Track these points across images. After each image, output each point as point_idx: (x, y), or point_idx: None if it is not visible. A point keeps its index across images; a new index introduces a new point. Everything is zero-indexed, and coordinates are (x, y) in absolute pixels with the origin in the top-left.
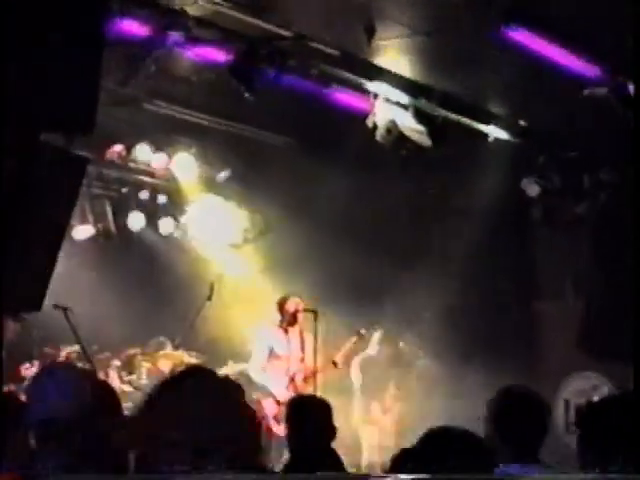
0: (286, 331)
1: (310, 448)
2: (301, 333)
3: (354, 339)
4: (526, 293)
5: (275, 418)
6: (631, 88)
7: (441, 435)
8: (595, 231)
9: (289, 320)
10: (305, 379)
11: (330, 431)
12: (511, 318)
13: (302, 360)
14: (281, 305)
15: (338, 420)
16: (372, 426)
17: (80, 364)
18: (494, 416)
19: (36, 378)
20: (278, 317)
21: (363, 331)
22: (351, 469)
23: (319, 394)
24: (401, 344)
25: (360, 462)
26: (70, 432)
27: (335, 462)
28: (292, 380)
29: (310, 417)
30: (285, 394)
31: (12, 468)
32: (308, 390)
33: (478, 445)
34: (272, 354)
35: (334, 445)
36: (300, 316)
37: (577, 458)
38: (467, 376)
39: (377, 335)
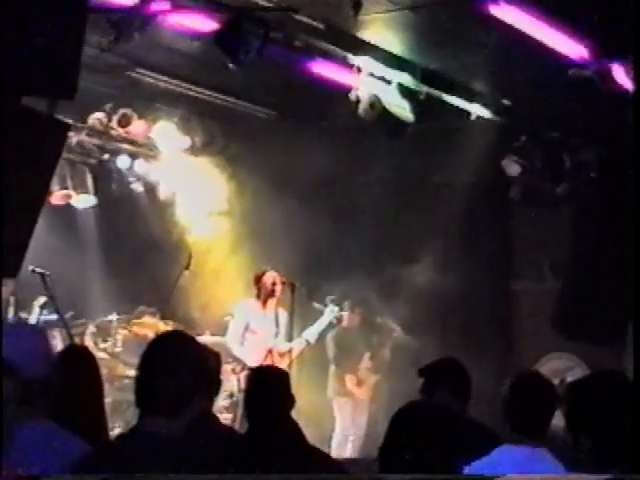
0: (264, 305)
1: (266, 417)
2: (276, 309)
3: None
4: (504, 272)
5: None
6: (616, 69)
7: (410, 411)
8: (574, 212)
9: (267, 293)
10: (280, 355)
11: (288, 400)
12: (488, 297)
13: (277, 335)
14: (258, 278)
15: (313, 393)
16: (346, 398)
17: (56, 329)
18: (503, 398)
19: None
20: (255, 291)
21: (334, 307)
22: (321, 443)
23: (295, 368)
24: (378, 319)
25: (331, 435)
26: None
27: (295, 432)
28: (269, 354)
29: (266, 386)
30: None
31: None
32: (284, 364)
33: (449, 420)
34: (248, 329)
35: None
36: (278, 289)
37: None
38: (442, 352)
39: (352, 308)
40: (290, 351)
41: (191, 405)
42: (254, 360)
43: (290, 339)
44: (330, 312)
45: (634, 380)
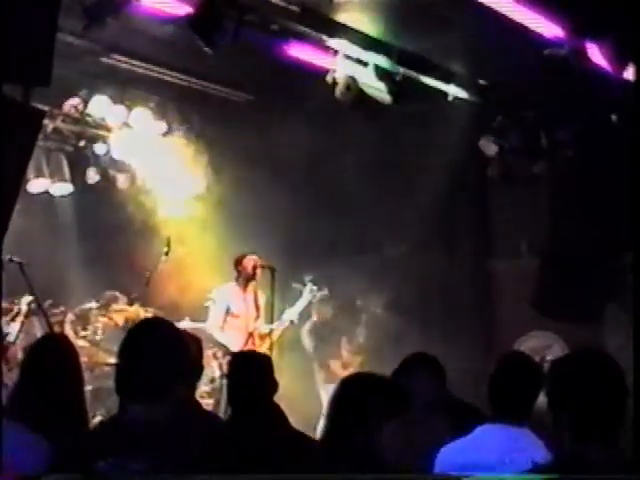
0: (244, 288)
1: (250, 402)
2: (255, 292)
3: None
4: (482, 251)
5: None
6: (591, 48)
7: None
8: (552, 191)
9: (247, 277)
10: (261, 337)
11: (271, 385)
12: (466, 275)
13: (257, 318)
14: (238, 262)
15: (296, 380)
16: (334, 384)
17: (35, 318)
18: (489, 379)
19: None
20: (234, 274)
21: (312, 286)
22: (306, 428)
23: (275, 352)
24: (358, 302)
25: (316, 420)
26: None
27: (278, 416)
28: (250, 337)
29: (249, 371)
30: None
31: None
32: (265, 347)
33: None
34: (229, 313)
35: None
36: (258, 273)
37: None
38: (423, 331)
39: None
40: (271, 333)
41: (171, 392)
42: (236, 344)
43: (271, 321)
44: (309, 291)
45: (634, 381)
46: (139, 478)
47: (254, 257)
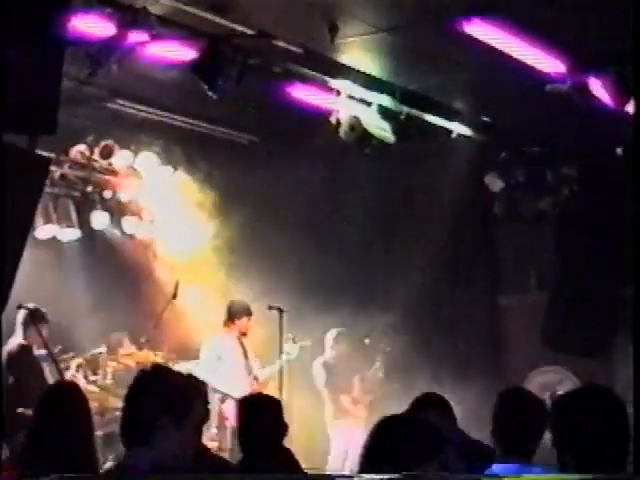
0: (235, 335)
1: (260, 446)
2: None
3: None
4: (491, 287)
5: None
6: (593, 83)
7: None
8: (558, 226)
9: (240, 332)
10: (264, 380)
11: (281, 428)
12: (476, 312)
13: (249, 361)
14: (233, 314)
15: (306, 419)
16: (344, 419)
17: (45, 364)
18: (492, 417)
19: None
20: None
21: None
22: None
23: (285, 394)
24: (366, 340)
25: (327, 461)
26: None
27: (288, 460)
28: (253, 381)
29: (259, 415)
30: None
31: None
32: (270, 389)
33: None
34: (222, 360)
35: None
36: (248, 333)
37: (556, 458)
38: (432, 370)
39: (331, 336)
40: (270, 376)
41: (170, 437)
42: (233, 388)
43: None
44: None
45: (634, 381)
46: (140, 478)
47: (246, 319)
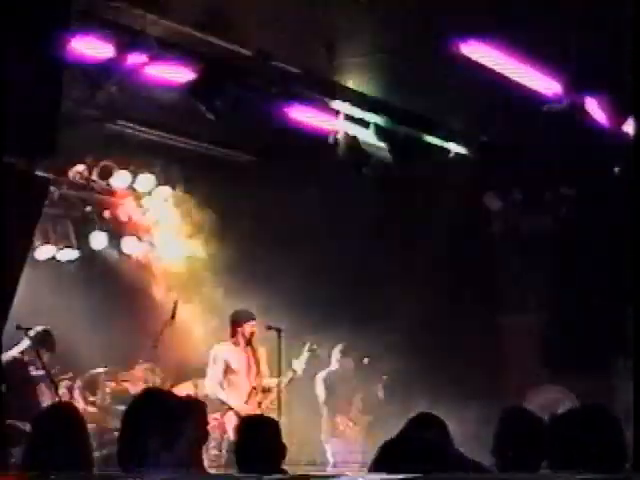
0: (241, 345)
1: (259, 469)
2: (253, 348)
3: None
4: (489, 307)
5: None
6: (589, 103)
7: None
8: (557, 245)
9: (244, 339)
10: (264, 391)
11: (279, 450)
12: (475, 332)
13: (257, 373)
14: (236, 323)
15: (303, 434)
16: (338, 439)
17: (43, 385)
18: (493, 436)
19: None
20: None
21: (314, 346)
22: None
23: (283, 409)
24: (365, 360)
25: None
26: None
27: None
28: (252, 394)
29: (257, 438)
30: (246, 408)
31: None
32: (268, 401)
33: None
34: (229, 370)
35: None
36: (254, 338)
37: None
38: (432, 391)
39: (338, 349)
40: (274, 387)
41: (153, 457)
42: (237, 401)
43: (276, 375)
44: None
45: (634, 382)
46: (140, 478)
47: (252, 323)
